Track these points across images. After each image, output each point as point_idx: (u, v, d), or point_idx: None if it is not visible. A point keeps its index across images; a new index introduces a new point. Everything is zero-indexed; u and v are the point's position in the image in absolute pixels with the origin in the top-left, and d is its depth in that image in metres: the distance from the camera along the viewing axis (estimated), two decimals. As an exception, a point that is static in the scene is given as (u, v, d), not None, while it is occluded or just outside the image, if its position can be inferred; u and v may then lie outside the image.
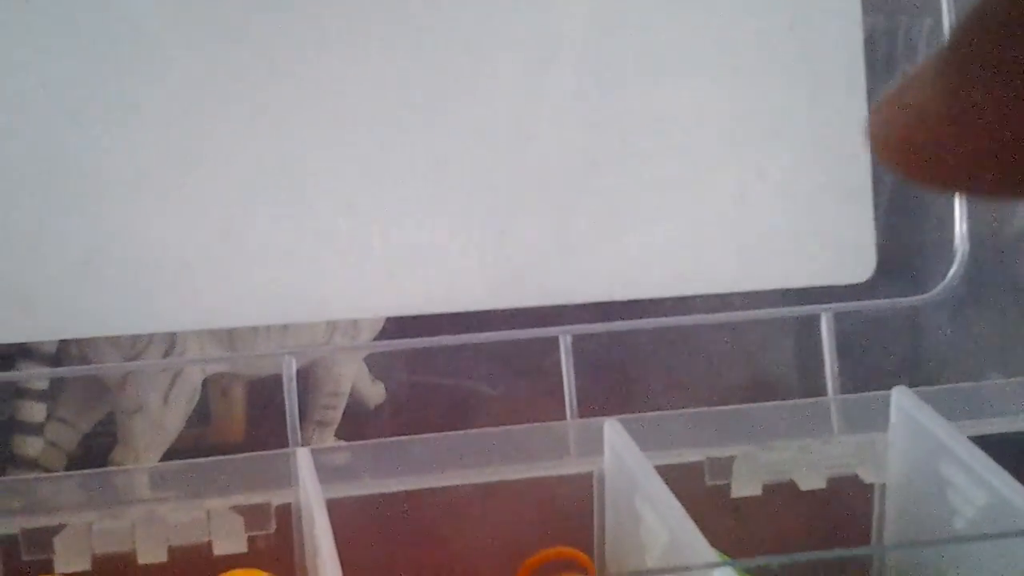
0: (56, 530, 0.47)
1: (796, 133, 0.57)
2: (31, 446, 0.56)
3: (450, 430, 0.51)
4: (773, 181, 0.57)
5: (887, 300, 0.58)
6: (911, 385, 0.51)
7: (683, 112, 0.56)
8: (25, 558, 0.46)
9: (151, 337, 0.54)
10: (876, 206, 0.58)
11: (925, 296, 0.59)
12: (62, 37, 0.51)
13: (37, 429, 0.56)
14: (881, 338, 0.62)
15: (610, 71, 0.55)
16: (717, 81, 0.56)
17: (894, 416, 0.51)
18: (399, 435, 0.51)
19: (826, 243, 0.58)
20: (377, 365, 0.61)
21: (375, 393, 0.62)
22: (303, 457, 0.48)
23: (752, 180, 0.57)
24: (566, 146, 0.55)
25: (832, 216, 0.58)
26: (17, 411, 0.56)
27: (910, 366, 0.63)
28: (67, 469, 0.56)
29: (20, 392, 0.56)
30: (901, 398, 0.51)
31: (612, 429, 0.49)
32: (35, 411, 0.56)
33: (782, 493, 0.50)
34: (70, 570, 0.46)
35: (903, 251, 0.61)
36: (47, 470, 0.56)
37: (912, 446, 0.50)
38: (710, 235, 0.56)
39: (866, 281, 0.57)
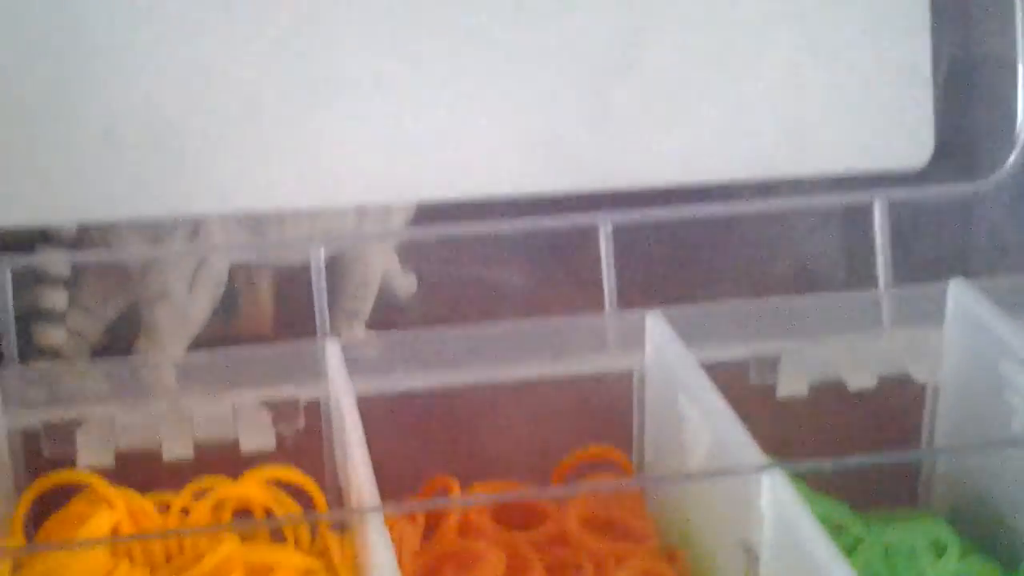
0: (78, 423, 0.46)
1: (850, 6, 0.54)
2: (53, 335, 0.54)
3: (484, 322, 0.50)
4: (825, 58, 0.54)
5: (944, 186, 0.56)
6: (969, 277, 0.49)
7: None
8: (47, 452, 0.46)
9: (175, 222, 0.53)
10: (934, 85, 0.55)
11: (984, 182, 0.56)
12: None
13: (59, 317, 0.55)
14: (937, 227, 0.60)
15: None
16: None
17: (950, 310, 0.49)
18: (431, 328, 0.50)
19: (881, 125, 0.55)
20: (408, 254, 0.60)
21: (407, 283, 0.60)
22: (332, 349, 0.47)
23: (803, 56, 0.54)
24: (606, 18, 0.53)
25: (888, 97, 0.55)
26: (38, 299, 0.54)
27: (967, 257, 0.61)
28: (90, 359, 0.55)
29: (41, 278, 0.54)
30: (958, 291, 0.49)
31: (654, 322, 0.48)
32: (56, 299, 0.55)
33: (830, 393, 0.49)
34: (93, 464, 0.45)
35: (961, 134, 0.58)
36: (69, 359, 0.55)
37: (969, 343, 0.48)
38: (757, 115, 0.54)
39: (923, 167, 0.55)
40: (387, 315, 0.58)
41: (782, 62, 0.54)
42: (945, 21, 0.56)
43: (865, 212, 0.55)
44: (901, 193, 0.55)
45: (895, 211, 0.54)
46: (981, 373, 0.47)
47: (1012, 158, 0.56)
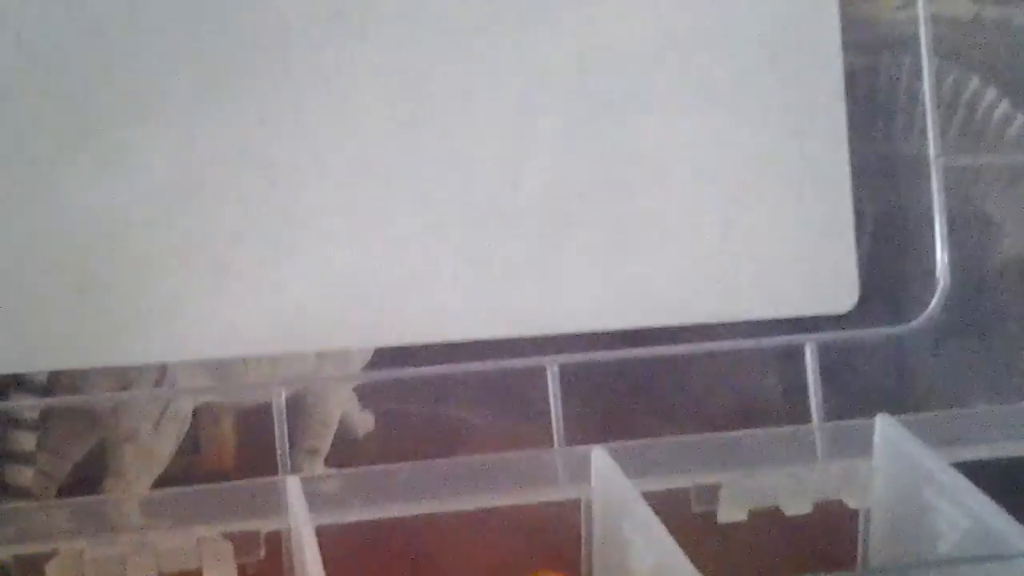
0: (48, 557, 0.46)
1: (779, 166, 0.58)
2: (22, 475, 0.56)
3: (438, 459, 0.51)
4: (756, 214, 0.58)
5: (870, 330, 0.59)
6: (894, 413, 0.52)
7: (667, 147, 0.57)
8: (17, 585, 0.47)
9: (142, 368, 0.55)
10: (859, 238, 0.58)
11: (908, 326, 0.59)
12: (52, 72, 0.51)
13: (28, 458, 0.56)
14: (865, 367, 0.63)
15: (596, 107, 0.56)
16: (700, 117, 0.57)
17: (877, 443, 0.52)
18: (388, 463, 0.51)
19: (809, 274, 0.58)
20: (366, 394, 0.61)
21: (364, 422, 0.62)
22: (293, 485, 0.48)
23: (735, 213, 0.57)
24: (554, 178, 0.56)
25: (814, 248, 0.58)
26: (8, 441, 0.56)
27: (893, 394, 0.64)
28: (58, 497, 0.56)
29: (12, 422, 0.56)
30: (884, 425, 0.51)
31: (599, 457, 0.50)
32: (26, 440, 0.56)
33: (768, 519, 0.50)
34: (61, 597, 0.46)
35: (886, 281, 0.61)
36: (38, 499, 0.56)
37: (896, 472, 0.51)
38: (695, 267, 0.57)
39: (849, 311, 0.58)
40: (346, 452, 0.59)
41: (716, 219, 0.57)
42: (867, 178, 0.60)
43: (798, 353, 0.57)
44: (831, 336, 0.58)
45: (826, 352, 0.57)
46: (907, 499, 0.49)
47: (933, 302, 0.59)
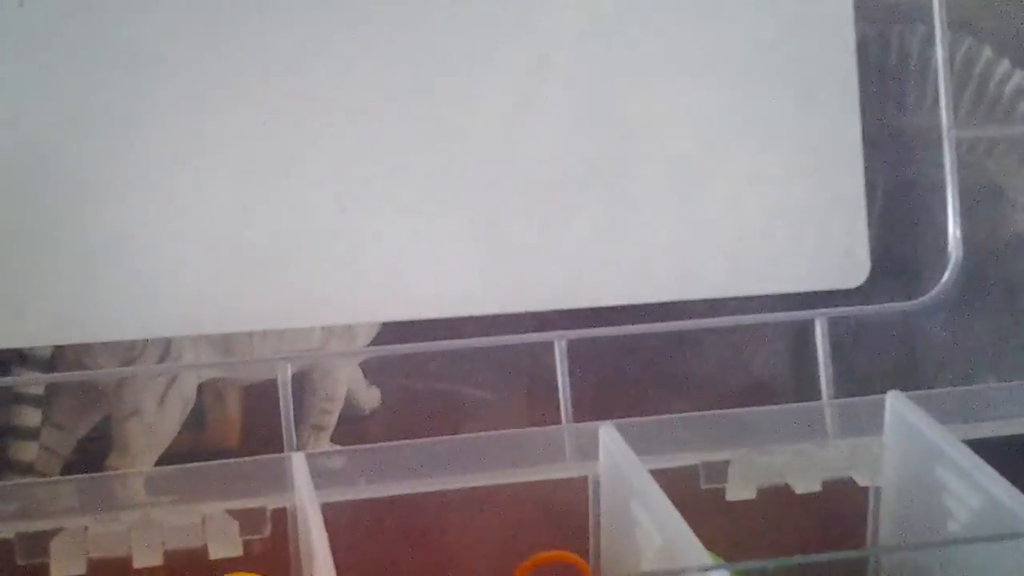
0: (52, 534, 0.46)
1: (789, 139, 0.57)
2: (26, 451, 0.56)
3: (445, 435, 0.51)
4: (766, 187, 0.57)
5: (881, 305, 0.58)
6: (905, 389, 0.51)
7: (676, 118, 0.56)
8: (20, 562, 0.46)
9: (146, 342, 0.54)
10: (870, 212, 0.58)
11: (919, 301, 0.59)
12: (57, 44, 0.51)
13: (32, 434, 0.56)
14: (875, 343, 0.62)
15: (604, 77, 0.56)
16: (710, 88, 0.57)
17: (888, 420, 0.51)
18: (394, 440, 0.51)
19: (819, 249, 0.58)
20: (372, 370, 0.61)
21: (370, 398, 0.62)
22: (298, 462, 0.48)
23: (745, 186, 0.57)
24: (561, 151, 0.55)
25: (825, 222, 0.58)
26: (12, 416, 0.56)
27: (904, 370, 0.63)
28: (62, 474, 0.56)
29: (15, 397, 0.56)
30: (895, 402, 0.51)
31: (607, 433, 0.49)
32: (30, 416, 0.56)
33: (777, 496, 0.50)
34: (66, 574, 0.46)
35: (897, 256, 0.61)
36: (42, 475, 0.56)
37: (907, 450, 0.50)
38: (704, 240, 0.57)
39: (860, 286, 0.57)
40: (352, 428, 0.59)
41: (725, 191, 0.57)
42: (880, 151, 0.59)
43: (808, 328, 0.57)
44: (841, 311, 0.57)
45: (836, 328, 0.57)
46: (918, 477, 0.49)
47: (945, 277, 0.59)
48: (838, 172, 0.58)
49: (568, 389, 0.53)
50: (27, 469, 0.56)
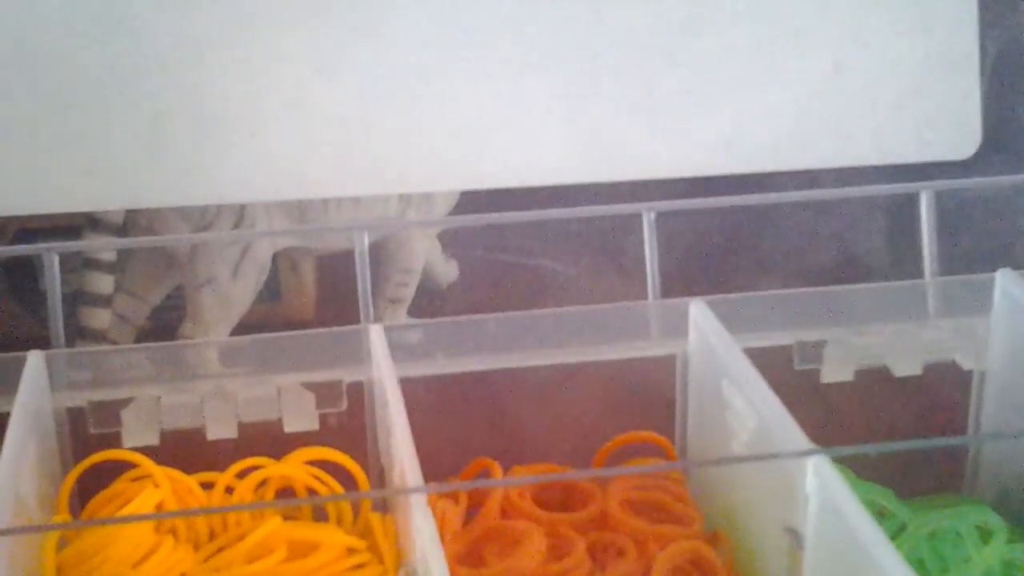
0: (124, 403, 0.46)
1: (896, -1, 0.54)
2: (99, 318, 0.55)
3: (525, 310, 0.50)
4: (873, 49, 0.54)
5: (991, 178, 0.55)
6: (1015, 268, 0.49)
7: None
8: (93, 431, 0.46)
9: (220, 209, 0.53)
10: (982, 76, 0.55)
11: (1032, 174, 0.56)
12: None
13: (105, 301, 0.55)
14: (984, 218, 0.59)
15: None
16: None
17: (997, 299, 0.49)
18: (472, 314, 0.50)
19: (926, 116, 0.55)
20: (451, 242, 0.60)
21: (448, 271, 0.61)
22: (376, 334, 0.47)
23: (851, 47, 0.54)
24: (651, 11, 0.53)
25: (933, 88, 0.55)
26: (85, 283, 0.55)
27: (1015, 248, 0.61)
28: (135, 343, 0.55)
29: (88, 263, 0.55)
30: (1006, 281, 0.49)
31: (698, 310, 0.48)
32: (103, 283, 0.55)
33: (875, 379, 0.48)
34: (138, 444, 0.45)
35: (1011, 126, 0.58)
36: (115, 343, 0.55)
37: (1017, 332, 0.48)
38: (804, 107, 0.54)
39: (969, 158, 0.55)
40: (429, 301, 0.58)
41: (828, 53, 0.54)
42: (994, 13, 0.56)
43: (912, 202, 0.54)
44: (949, 184, 0.54)
45: (942, 201, 0.54)
46: (1029, 361, 0.47)
47: (1061, 149, 0.56)
48: (949, 33, 0.55)
49: (657, 264, 0.51)
50: (100, 336, 0.55)
